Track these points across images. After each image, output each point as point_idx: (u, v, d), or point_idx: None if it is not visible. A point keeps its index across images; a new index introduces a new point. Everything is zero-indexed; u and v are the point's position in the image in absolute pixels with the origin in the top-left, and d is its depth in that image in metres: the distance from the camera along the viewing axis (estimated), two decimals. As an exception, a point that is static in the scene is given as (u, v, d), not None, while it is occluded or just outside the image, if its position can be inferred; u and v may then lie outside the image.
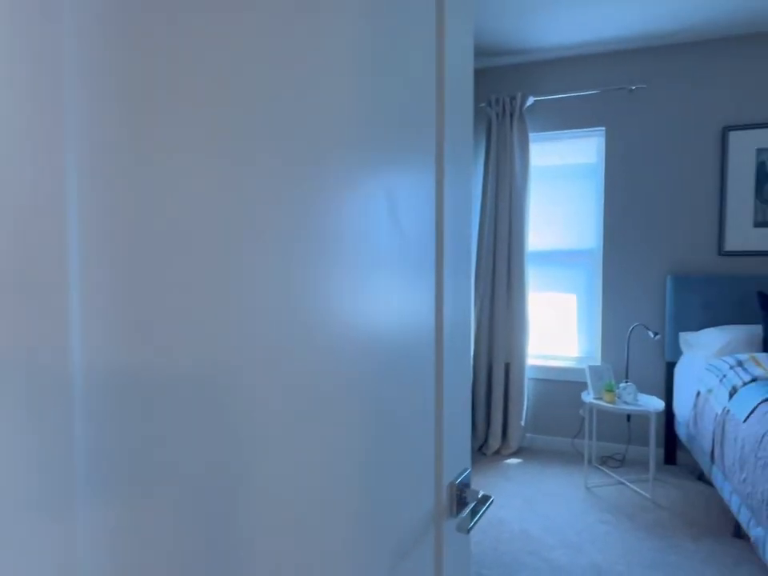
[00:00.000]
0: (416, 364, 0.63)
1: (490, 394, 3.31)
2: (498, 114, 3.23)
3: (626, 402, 2.71)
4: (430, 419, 0.69)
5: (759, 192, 2.90)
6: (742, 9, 2.60)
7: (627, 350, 2.93)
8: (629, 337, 2.94)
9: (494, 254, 3.28)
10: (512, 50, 3.13)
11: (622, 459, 3.11)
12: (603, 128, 3.17)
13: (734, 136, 2.92)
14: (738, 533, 2.22)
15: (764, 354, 2.31)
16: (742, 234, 2.94)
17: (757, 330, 2.63)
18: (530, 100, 3.19)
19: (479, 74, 3.40)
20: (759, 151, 2.89)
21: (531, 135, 3.30)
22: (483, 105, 3.29)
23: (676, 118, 3.03)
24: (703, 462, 2.38)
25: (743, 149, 2.91)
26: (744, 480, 1.81)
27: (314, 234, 0.41)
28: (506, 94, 3.25)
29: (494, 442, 3.22)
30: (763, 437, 1.73)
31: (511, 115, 3.20)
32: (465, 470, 0.84)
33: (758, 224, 2.91)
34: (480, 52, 3.18)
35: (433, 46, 0.58)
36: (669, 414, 3.04)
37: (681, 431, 2.78)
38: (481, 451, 3.27)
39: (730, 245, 2.96)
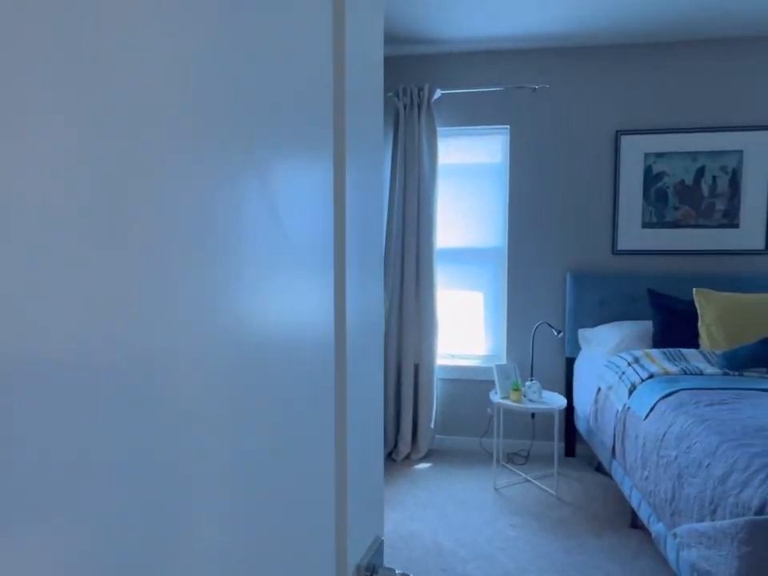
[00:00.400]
0: (305, 387, 0.44)
1: (399, 397, 3.19)
2: (405, 106, 3.09)
3: (531, 401, 2.72)
4: (326, 468, 0.49)
5: (647, 194, 3.07)
6: (636, 19, 2.70)
7: (532, 347, 2.95)
8: (533, 334, 2.97)
9: (402, 251, 3.15)
10: (422, 38, 3.01)
11: (527, 455, 3.14)
12: (508, 126, 3.17)
13: (625, 140, 3.06)
14: (635, 523, 2.29)
15: (657, 350, 2.41)
16: (632, 234, 3.09)
17: (648, 325, 2.76)
18: (438, 93, 3.09)
19: (386, 62, 3.24)
20: (647, 155, 3.05)
21: (439, 130, 3.21)
22: (391, 95, 3.13)
23: (575, 120, 3.10)
24: (603, 456, 2.43)
25: (633, 153, 3.06)
26: (646, 478, 1.83)
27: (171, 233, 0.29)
28: (414, 85, 3.12)
29: (404, 447, 3.10)
30: (664, 435, 1.75)
31: (419, 107, 3.08)
32: (376, 541, 0.64)
33: (645, 225, 3.08)
34: (389, 39, 3.02)
35: (330, 24, 0.46)
36: (569, 409, 3.13)
37: (581, 425, 2.85)
38: (390, 457, 3.13)
39: (622, 244, 3.10)
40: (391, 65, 3.23)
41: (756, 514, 1.22)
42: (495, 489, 2.71)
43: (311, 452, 0.45)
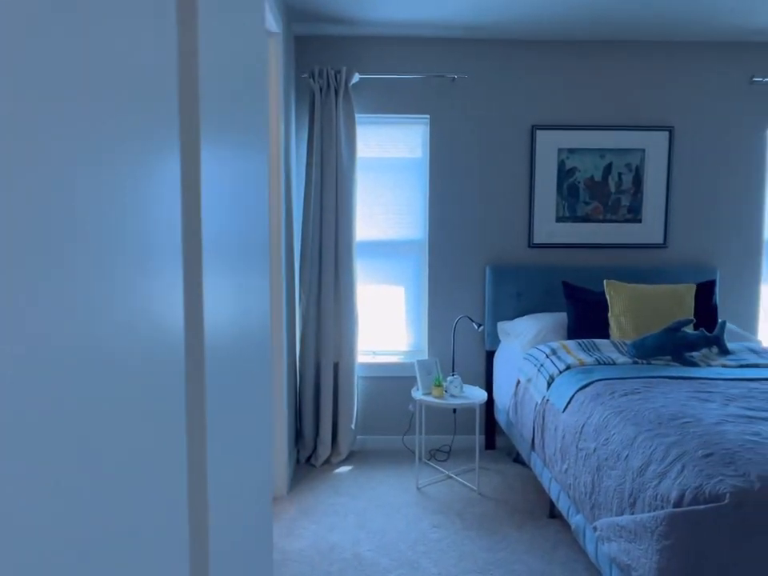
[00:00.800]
0: (139, 414, 0.28)
1: (318, 398, 3.01)
2: (322, 89, 2.91)
3: (453, 396, 2.67)
4: (175, 523, 0.33)
5: (560, 189, 3.14)
6: (548, 15, 2.72)
7: (453, 341, 2.91)
8: (454, 328, 2.93)
9: (320, 244, 2.97)
10: (339, 18, 2.83)
11: (448, 451, 3.11)
12: (428, 116, 3.09)
13: (540, 135, 3.10)
14: (553, 513, 2.31)
15: (572, 342, 2.45)
16: (547, 227, 3.14)
17: (563, 316, 2.82)
18: (356, 77, 2.94)
19: (301, 41, 3.03)
20: (560, 151, 3.11)
21: (358, 116, 3.06)
22: (305, 76, 2.93)
23: (493, 112, 3.09)
24: (523, 449, 2.43)
25: (548, 147, 3.11)
26: (566, 471, 1.81)
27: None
28: (331, 67, 2.94)
29: (324, 451, 2.93)
30: (582, 427, 1.74)
31: (336, 91, 2.91)
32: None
33: (559, 219, 3.15)
34: (303, 16, 2.81)
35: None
36: (489, 401, 3.13)
37: (500, 418, 2.85)
38: (309, 462, 2.95)
39: (538, 237, 3.15)
40: (306, 44, 3.02)
41: (675, 506, 1.21)
42: (418, 488, 2.63)
43: (149, 505, 0.28)
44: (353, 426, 2.99)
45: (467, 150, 3.10)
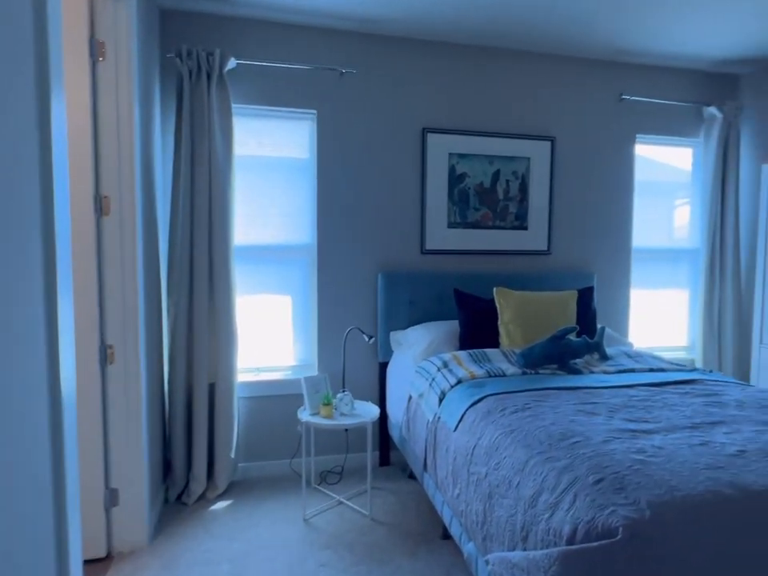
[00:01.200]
0: None
1: (190, 425, 2.63)
2: (191, 72, 2.55)
3: (343, 414, 2.47)
4: None
5: (451, 194, 3.08)
6: (438, 16, 2.63)
7: (344, 355, 2.70)
8: (345, 341, 2.72)
9: (191, 248, 2.60)
10: (207, -8, 2.50)
11: (341, 472, 2.90)
12: (315, 111, 2.87)
13: (431, 138, 3.02)
14: (446, 534, 2.20)
15: (464, 353, 2.36)
16: (439, 233, 3.07)
17: (455, 325, 2.74)
18: (232, 62, 2.62)
19: (169, 16, 2.64)
20: (451, 155, 3.06)
21: (236, 107, 2.75)
22: (171, 55, 2.55)
23: (383, 112, 2.95)
24: (416, 468, 2.29)
25: (439, 152, 3.04)
26: (457, 496, 1.68)
27: None
28: (203, 48, 2.60)
29: (198, 486, 2.56)
30: (474, 449, 1.63)
31: (209, 76, 2.57)
32: None
33: (451, 225, 3.09)
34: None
35: None
36: (383, 416, 2.98)
37: (394, 433, 2.70)
38: (180, 500, 2.56)
39: (430, 243, 3.06)
40: (173, 19, 2.64)
41: (568, 542, 1.10)
42: (305, 520, 2.38)
43: None
44: (232, 455, 2.66)
45: (357, 151, 2.92)
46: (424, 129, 3.00)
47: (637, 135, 3.36)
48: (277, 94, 2.80)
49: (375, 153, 2.95)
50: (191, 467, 2.60)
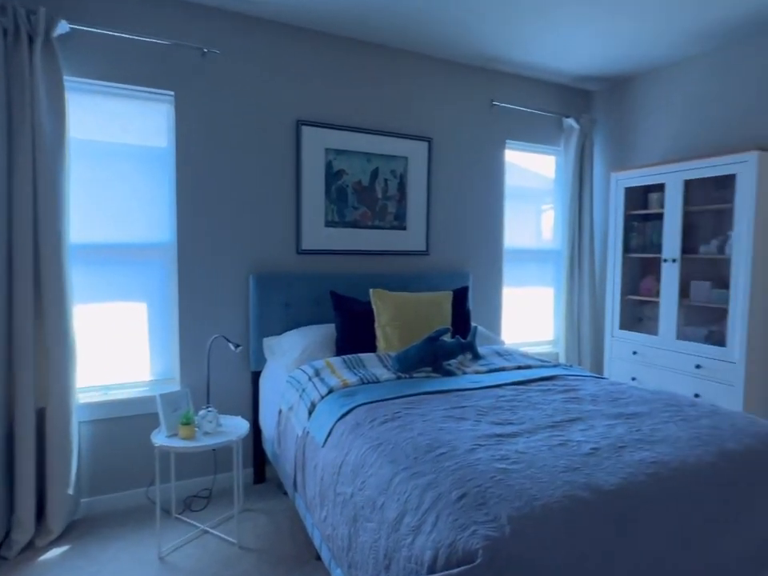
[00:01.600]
0: None
1: (11, 461, 2.18)
2: (6, 31, 2.10)
3: (207, 433, 2.21)
4: None
5: (329, 192, 2.94)
6: (324, 4, 2.48)
7: (208, 367, 2.43)
8: (209, 350, 2.45)
9: (8, 247, 2.14)
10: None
11: (208, 496, 2.61)
12: (172, 93, 2.54)
13: (306, 131, 2.85)
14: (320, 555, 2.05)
15: (338, 359, 2.23)
16: (316, 232, 2.92)
17: (332, 329, 2.60)
18: (64, 26, 2.21)
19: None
20: (327, 151, 2.92)
21: (71, 82, 2.33)
22: (-23, 10, 2.07)
23: (253, 100, 2.71)
24: (288, 486, 2.11)
25: (314, 146, 2.88)
26: (324, 519, 1.54)
27: None
28: (21, 4, 2.16)
29: (22, 534, 2.12)
30: (341, 466, 1.49)
31: (31, 39, 2.14)
32: None
33: (328, 223, 2.95)
34: None
35: None
36: (258, 429, 2.75)
37: (267, 448, 2.49)
38: (-2, 554, 2.10)
39: (306, 243, 2.89)
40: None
41: (429, 571, 1.01)
42: (160, 558, 2.08)
43: None
44: (71, 491, 2.25)
45: (224, 140, 2.65)
46: (298, 121, 2.82)
47: (507, 141, 3.50)
48: (126, 70, 2.43)
49: (245, 144, 2.71)
50: (13, 511, 2.15)
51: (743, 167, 2.57)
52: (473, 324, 2.86)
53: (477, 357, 2.41)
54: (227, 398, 2.70)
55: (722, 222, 2.96)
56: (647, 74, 3.42)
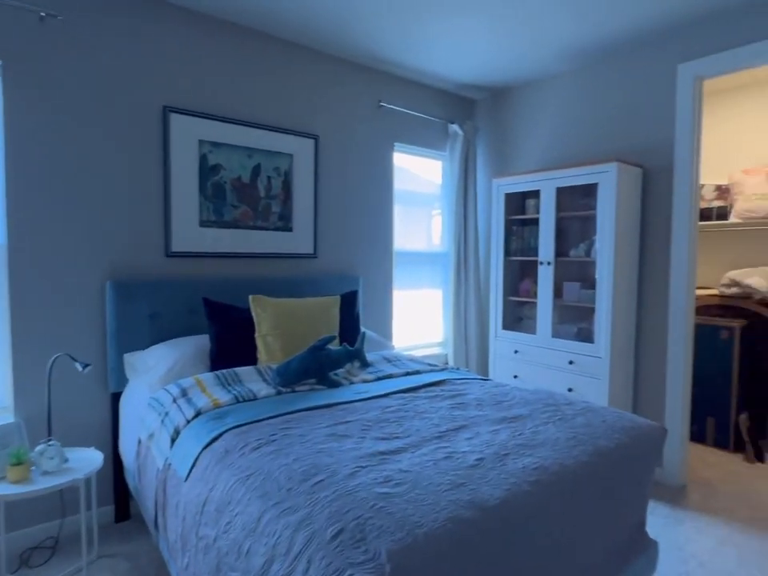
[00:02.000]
0: None
1: None
2: None
3: (46, 473, 1.83)
4: None
5: (203, 188, 2.66)
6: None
7: (48, 392, 2.03)
8: (49, 372, 2.05)
9: None
10: None
11: (54, 545, 2.19)
12: (0, 62, 2.10)
13: (175, 120, 2.55)
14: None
15: (210, 375, 1.99)
16: (188, 233, 2.62)
17: (206, 340, 2.34)
18: None
19: None
20: (201, 143, 2.64)
21: None
22: None
23: (107, 77, 2.35)
24: (150, 527, 1.82)
25: (185, 137, 2.58)
26: (186, 567, 1.32)
27: None
28: None
29: None
30: (204, 505, 1.28)
31: None
32: None
33: (203, 223, 2.67)
34: None
35: None
36: (119, 458, 2.38)
37: (130, 481, 2.16)
38: None
39: (177, 245, 2.58)
40: None
41: (297, 630, 0.86)
42: (-20, 635, 1.67)
43: None
44: None
45: (71, 122, 2.26)
46: (165, 107, 2.51)
47: (395, 144, 3.47)
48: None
49: (100, 130, 2.33)
50: None
51: (604, 177, 2.78)
52: (362, 329, 2.76)
53: (365, 364, 2.30)
54: (78, 427, 2.30)
55: (589, 227, 3.20)
56: (524, 86, 3.61)
